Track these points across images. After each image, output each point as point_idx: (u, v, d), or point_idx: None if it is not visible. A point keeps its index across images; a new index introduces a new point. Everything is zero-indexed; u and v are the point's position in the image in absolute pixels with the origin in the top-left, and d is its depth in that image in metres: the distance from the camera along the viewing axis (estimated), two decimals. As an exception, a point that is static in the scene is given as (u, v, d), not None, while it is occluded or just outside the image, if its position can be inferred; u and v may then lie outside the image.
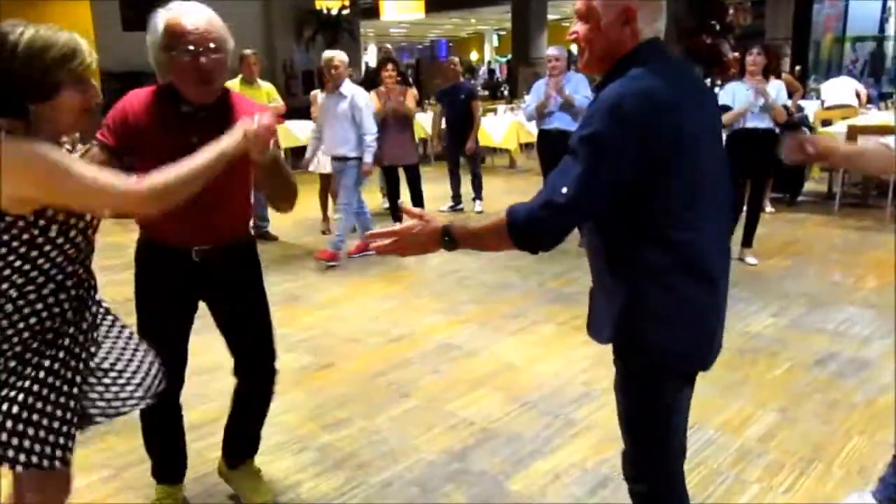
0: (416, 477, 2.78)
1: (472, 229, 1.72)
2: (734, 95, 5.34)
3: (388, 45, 16.04)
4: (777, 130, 5.30)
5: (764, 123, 5.27)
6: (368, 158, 5.71)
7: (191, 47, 2.11)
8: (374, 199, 7.73)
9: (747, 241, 5.57)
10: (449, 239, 1.70)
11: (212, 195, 1.96)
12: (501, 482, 2.75)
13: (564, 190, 1.56)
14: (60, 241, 1.76)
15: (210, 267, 2.33)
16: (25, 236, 1.69)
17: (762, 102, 5.21)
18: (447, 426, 3.17)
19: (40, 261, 1.74)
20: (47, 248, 1.74)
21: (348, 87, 5.68)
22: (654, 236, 1.63)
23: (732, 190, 1.72)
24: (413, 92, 7.07)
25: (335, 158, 5.85)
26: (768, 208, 7.22)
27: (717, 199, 1.71)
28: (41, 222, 1.71)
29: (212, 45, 2.12)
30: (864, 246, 6.00)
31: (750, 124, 5.27)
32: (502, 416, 3.24)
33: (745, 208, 5.53)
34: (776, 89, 5.33)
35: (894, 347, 3.78)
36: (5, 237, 1.68)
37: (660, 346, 1.68)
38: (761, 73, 5.30)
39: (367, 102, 5.75)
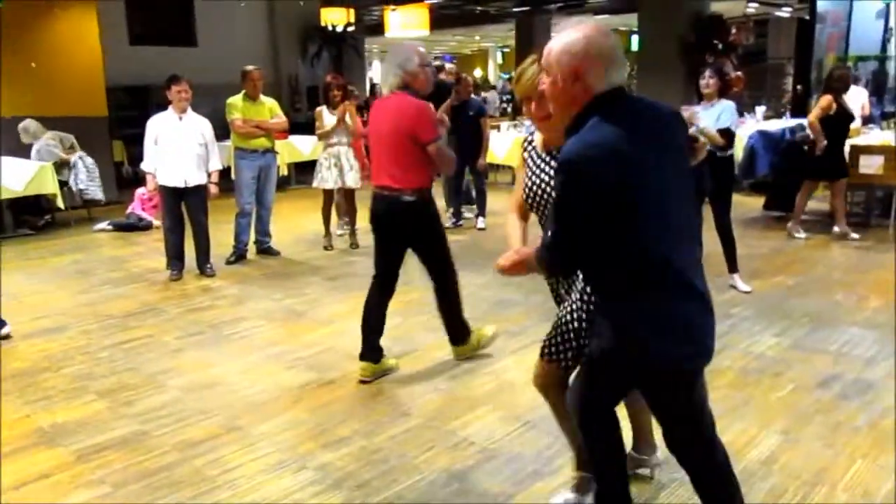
0: (416, 497, 2.76)
1: (530, 258, 2.11)
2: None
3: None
4: (719, 153, 5.14)
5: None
6: None
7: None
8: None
9: (732, 266, 5.36)
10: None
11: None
12: (502, 503, 2.72)
13: (549, 235, 1.96)
14: None
15: None
16: None
17: (693, 129, 5.15)
18: (448, 445, 3.15)
19: None
20: None
21: None
22: (640, 257, 1.89)
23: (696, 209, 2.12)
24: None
25: None
26: (799, 234, 6.98)
27: (682, 217, 1.98)
28: None
29: None
30: (866, 265, 5.99)
31: None
32: (503, 435, 3.22)
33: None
34: (718, 111, 5.15)
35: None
36: None
37: (653, 353, 1.95)
38: (717, 95, 5.20)
39: None
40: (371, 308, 3.88)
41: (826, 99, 6.53)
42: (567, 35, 1.92)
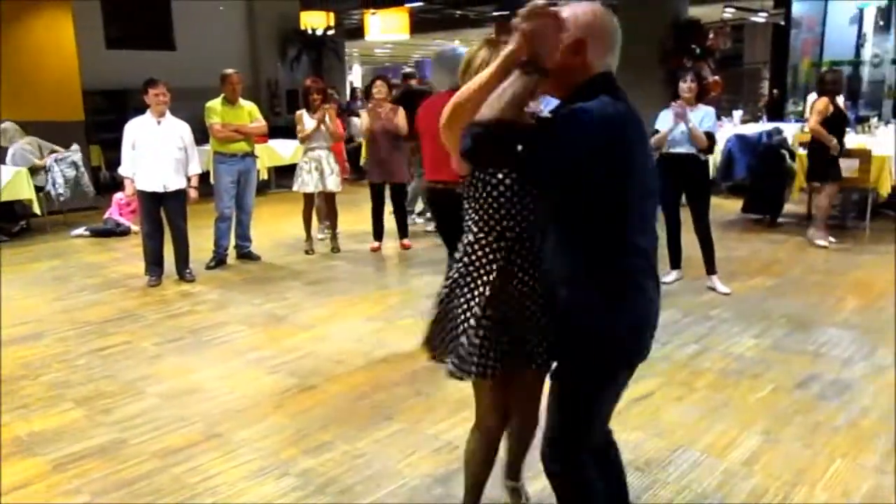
0: (400, 502, 2.75)
1: (498, 95, 1.75)
2: (664, 119, 5.34)
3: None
4: (701, 156, 5.26)
5: (685, 148, 5.21)
6: None
7: None
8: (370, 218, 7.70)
9: (711, 268, 5.40)
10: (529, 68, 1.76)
11: None
12: (486, 507, 2.71)
13: (520, 148, 1.72)
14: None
15: None
16: None
17: (682, 127, 5.17)
18: (431, 449, 3.14)
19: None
20: None
21: None
22: (625, 243, 1.84)
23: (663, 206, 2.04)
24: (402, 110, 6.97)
25: None
26: (821, 242, 6.85)
27: (653, 210, 1.98)
28: None
29: None
30: (843, 267, 6.07)
31: (674, 150, 5.24)
32: (486, 439, 3.21)
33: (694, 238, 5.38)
34: (701, 116, 5.23)
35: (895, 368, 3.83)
36: None
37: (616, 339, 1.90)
38: (695, 101, 5.29)
39: None
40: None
41: (822, 102, 6.56)
42: (574, 6, 1.81)
